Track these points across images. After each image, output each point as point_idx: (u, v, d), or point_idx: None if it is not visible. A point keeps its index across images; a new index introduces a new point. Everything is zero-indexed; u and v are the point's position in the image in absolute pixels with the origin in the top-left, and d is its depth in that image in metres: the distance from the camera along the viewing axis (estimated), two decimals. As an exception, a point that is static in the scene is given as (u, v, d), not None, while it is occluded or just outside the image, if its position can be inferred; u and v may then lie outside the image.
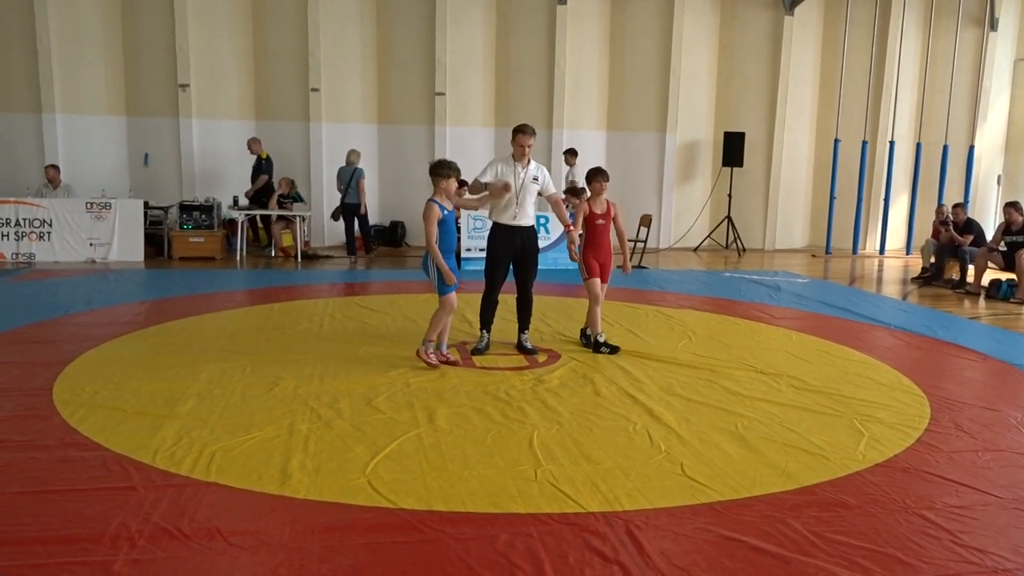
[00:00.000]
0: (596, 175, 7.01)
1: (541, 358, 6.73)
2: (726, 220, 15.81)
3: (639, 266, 12.85)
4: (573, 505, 3.84)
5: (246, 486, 3.99)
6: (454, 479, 4.13)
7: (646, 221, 13.26)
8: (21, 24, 13.35)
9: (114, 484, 3.98)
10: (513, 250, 6.81)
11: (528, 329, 7.07)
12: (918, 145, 15.84)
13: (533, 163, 6.80)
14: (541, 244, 12.20)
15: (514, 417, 5.13)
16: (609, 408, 5.38)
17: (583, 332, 7.25)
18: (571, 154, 14.04)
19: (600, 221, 7.00)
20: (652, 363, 6.58)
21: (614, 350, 6.89)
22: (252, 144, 13.20)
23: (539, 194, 6.86)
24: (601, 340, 6.96)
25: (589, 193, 7.08)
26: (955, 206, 12.43)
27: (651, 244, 14.06)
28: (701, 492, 4.04)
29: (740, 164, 15.68)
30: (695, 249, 15.90)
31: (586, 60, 15.38)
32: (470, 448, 4.58)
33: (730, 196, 15.71)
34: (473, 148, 14.40)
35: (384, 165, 14.95)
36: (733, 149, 15.63)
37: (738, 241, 15.72)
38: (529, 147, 6.66)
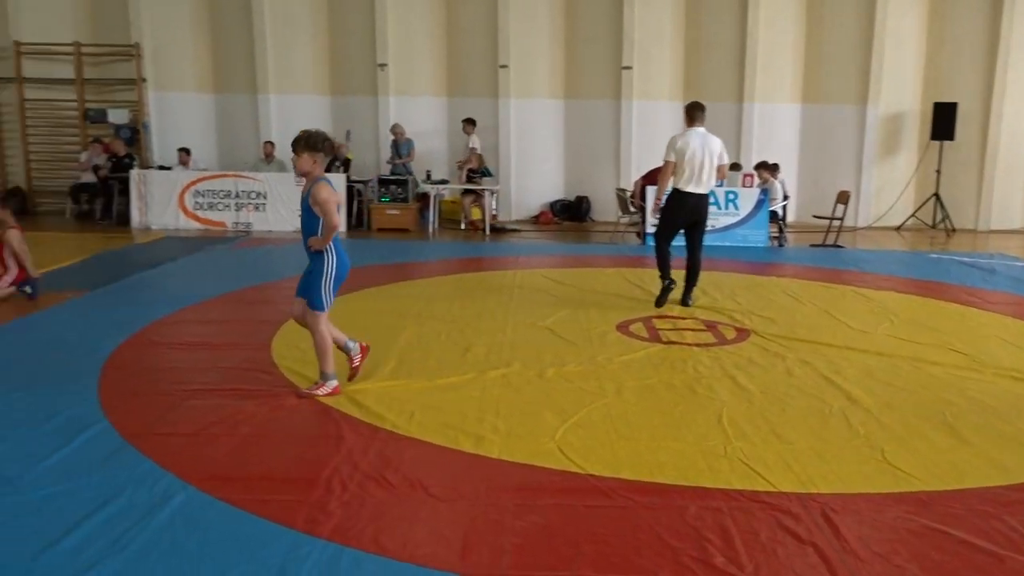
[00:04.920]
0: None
1: (729, 335, 6.59)
2: (933, 198, 14.67)
3: (835, 245, 12.22)
4: (764, 483, 3.77)
5: (443, 443, 4.22)
6: (642, 449, 4.16)
7: (843, 198, 12.56)
8: (240, 12, 14.51)
9: (326, 433, 4.33)
10: (684, 213, 7.50)
11: (693, 289, 7.62)
12: None
13: (709, 134, 7.47)
14: (729, 220, 12.04)
15: (702, 392, 5.08)
16: (802, 388, 5.20)
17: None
18: (469, 123, 13.76)
19: None
20: (850, 345, 6.27)
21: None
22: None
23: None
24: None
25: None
26: None
27: (848, 222, 13.30)
28: (904, 480, 3.84)
29: (951, 137, 14.46)
30: (898, 228, 14.89)
31: (780, 29, 14.69)
32: (657, 420, 4.59)
33: (939, 172, 14.55)
34: (659, 122, 14.18)
35: (569, 140, 15.04)
36: (943, 121, 14.42)
37: (947, 220, 14.56)
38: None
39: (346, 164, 13.52)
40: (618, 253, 10.91)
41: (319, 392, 4.92)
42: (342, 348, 5.15)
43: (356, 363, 5.17)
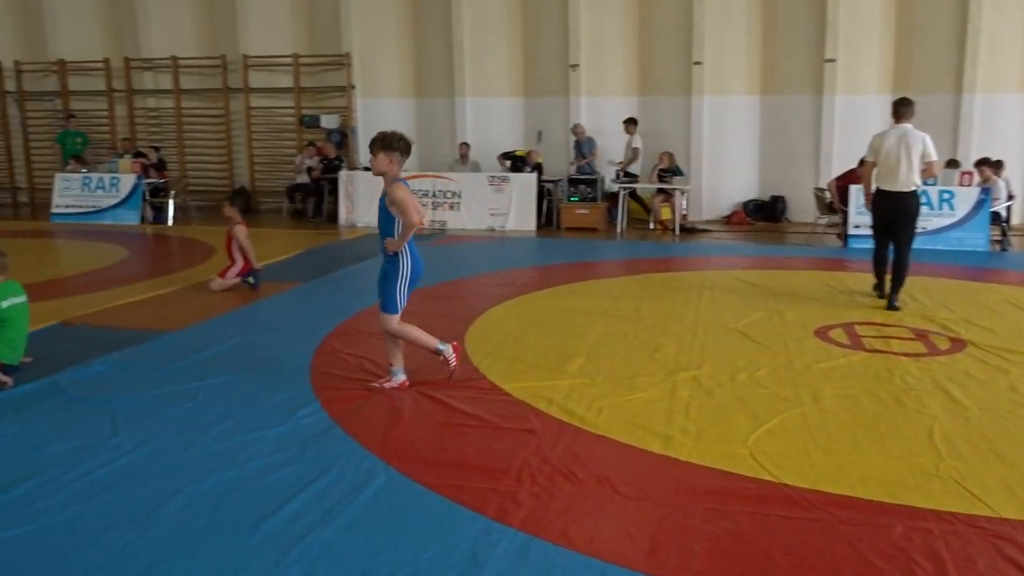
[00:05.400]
0: None
1: (942, 344, 6.11)
2: None
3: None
4: (982, 507, 3.47)
5: (631, 442, 4.21)
6: (842, 462, 3.95)
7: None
8: (440, 21, 15.14)
9: (516, 426, 4.44)
10: (885, 213, 7.36)
11: (899, 290, 7.31)
12: None
13: (913, 130, 7.22)
14: (944, 222, 11.14)
15: (910, 406, 4.74)
16: (1029, 407, 4.73)
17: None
18: (631, 123, 13.37)
19: None
20: (1086, 361, 5.63)
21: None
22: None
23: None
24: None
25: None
26: None
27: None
28: None
29: None
30: None
31: (1006, 13, 13.38)
32: (860, 432, 4.34)
33: None
34: (865, 118, 13.31)
35: (765, 137, 14.47)
36: None
37: None
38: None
39: (537, 166, 13.75)
40: (816, 255, 10.38)
41: (387, 385, 5.02)
42: (434, 352, 5.18)
43: (452, 363, 5.18)
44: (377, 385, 5.07)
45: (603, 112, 14.51)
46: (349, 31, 15.16)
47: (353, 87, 15.39)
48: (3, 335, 5.26)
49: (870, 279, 7.80)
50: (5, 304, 5.29)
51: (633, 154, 13.49)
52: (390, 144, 4.76)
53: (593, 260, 10.14)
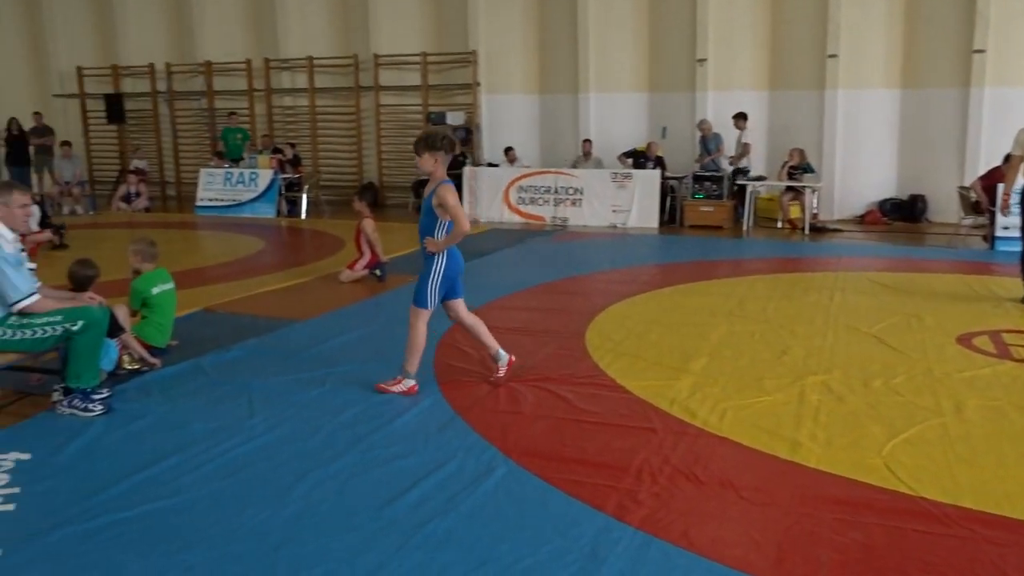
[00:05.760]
0: None
1: (1103, 357, 5.64)
2: None
3: None
4: None
5: (756, 446, 4.09)
6: (987, 476, 3.71)
7: None
8: (566, 17, 15.13)
9: (637, 424, 4.39)
10: None
11: None
12: None
13: None
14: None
15: (1065, 420, 4.40)
16: None
17: None
18: (741, 118, 12.95)
19: None
20: None
21: None
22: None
23: None
24: None
25: None
26: None
27: None
28: None
29: None
30: None
31: None
32: (1007, 446, 4.06)
33: None
34: (1018, 112, 12.45)
35: (905, 133, 13.73)
36: None
37: None
38: None
39: (659, 161, 13.57)
40: (959, 258, 9.78)
41: (394, 389, 4.87)
42: (493, 357, 5.12)
43: (501, 373, 5.08)
44: (494, 378, 5.10)
45: (730, 108, 14.14)
46: (476, 29, 15.37)
47: (478, 84, 15.60)
48: (152, 319, 5.63)
49: (1020, 284, 7.27)
50: (155, 291, 5.66)
51: (744, 149, 13.12)
52: (434, 144, 4.74)
53: (717, 258, 9.91)
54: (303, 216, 14.29)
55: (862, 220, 13.65)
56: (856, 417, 4.46)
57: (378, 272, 8.46)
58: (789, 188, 12.80)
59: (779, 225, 12.86)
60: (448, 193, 4.73)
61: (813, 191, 12.75)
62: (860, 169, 13.90)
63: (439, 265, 4.83)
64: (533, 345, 5.92)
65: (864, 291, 7.79)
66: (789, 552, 3.08)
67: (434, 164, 4.76)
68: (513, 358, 5.17)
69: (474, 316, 5.16)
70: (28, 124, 15.76)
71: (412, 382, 4.92)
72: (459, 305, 5.05)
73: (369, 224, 8.46)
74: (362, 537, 3.22)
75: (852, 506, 3.44)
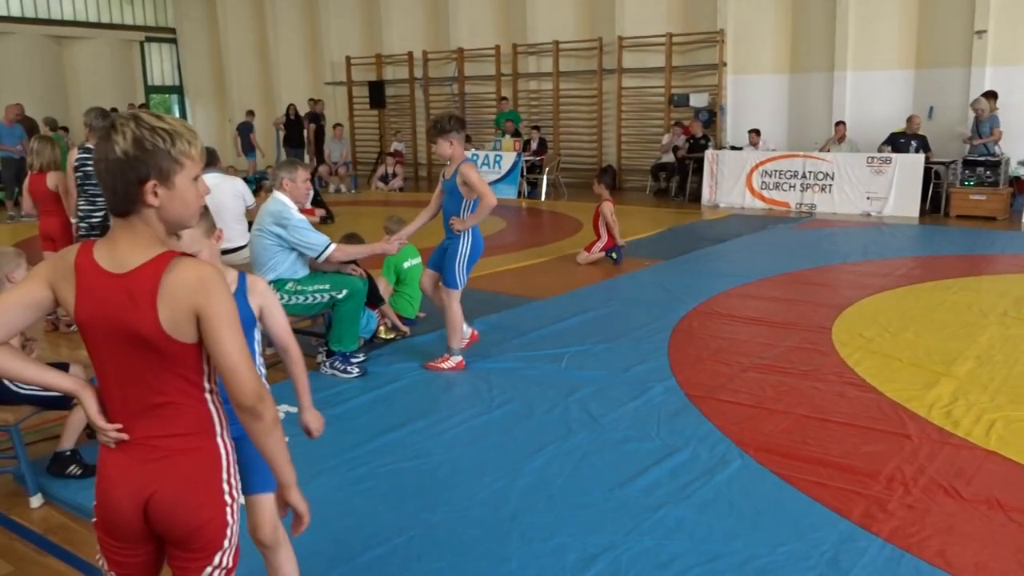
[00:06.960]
0: None
1: None
2: None
3: None
4: None
5: (1031, 464, 3.65)
6: None
7: None
8: (824, -12, 14.22)
9: (889, 428, 4.07)
10: None
11: None
12: None
13: None
14: None
15: None
16: None
17: None
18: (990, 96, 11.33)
19: None
20: None
21: None
22: None
23: None
24: None
25: None
26: None
27: None
28: None
29: None
30: None
31: None
32: None
33: None
34: None
35: None
36: None
37: None
38: None
39: (923, 143, 12.39)
40: None
41: (443, 366, 4.99)
42: (449, 347, 5.13)
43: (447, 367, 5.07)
44: (432, 365, 5.03)
45: (1014, 85, 12.62)
46: (725, 6, 14.85)
47: (724, 64, 15.10)
48: (402, 291, 6.04)
49: None
50: (405, 265, 6.06)
51: (993, 134, 11.61)
52: (443, 128, 4.83)
53: (989, 252, 8.91)
54: (543, 198, 14.64)
55: None
56: None
57: (614, 255, 8.48)
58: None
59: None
60: (471, 170, 4.90)
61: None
62: None
63: (465, 246, 4.99)
64: (774, 337, 5.67)
65: None
66: (1070, 587, 2.73)
67: (450, 147, 4.89)
68: (476, 332, 5.31)
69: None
70: (303, 110, 17.43)
71: (459, 358, 5.08)
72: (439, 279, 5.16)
73: (608, 207, 8.50)
74: (594, 516, 3.26)
75: None
